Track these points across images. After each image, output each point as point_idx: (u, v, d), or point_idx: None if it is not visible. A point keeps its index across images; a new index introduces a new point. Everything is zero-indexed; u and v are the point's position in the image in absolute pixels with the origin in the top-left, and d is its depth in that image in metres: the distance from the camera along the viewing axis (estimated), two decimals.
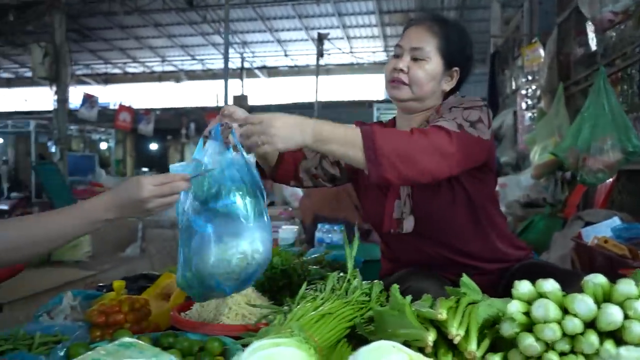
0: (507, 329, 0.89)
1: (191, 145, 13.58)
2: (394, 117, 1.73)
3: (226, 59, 2.89)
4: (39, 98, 17.93)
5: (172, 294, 1.68)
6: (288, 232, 3.55)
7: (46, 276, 3.83)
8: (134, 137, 21.78)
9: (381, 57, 16.64)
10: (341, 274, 1.38)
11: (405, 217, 1.57)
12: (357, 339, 1.16)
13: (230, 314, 1.41)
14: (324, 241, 3.26)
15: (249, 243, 1.26)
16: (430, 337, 0.87)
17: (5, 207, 10.44)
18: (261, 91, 18.58)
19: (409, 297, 1.04)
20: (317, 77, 6.88)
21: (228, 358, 1.24)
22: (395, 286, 1.08)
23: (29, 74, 19.63)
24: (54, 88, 8.75)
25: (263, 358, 0.74)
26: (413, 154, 1.30)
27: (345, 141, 1.30)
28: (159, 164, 19.82)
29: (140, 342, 0.93)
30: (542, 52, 4.93)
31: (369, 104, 14.76)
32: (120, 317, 1.39)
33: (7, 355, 1.10)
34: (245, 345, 1.25)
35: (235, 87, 18.15)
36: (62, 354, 1.17)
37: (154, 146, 22.58)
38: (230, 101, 14.87)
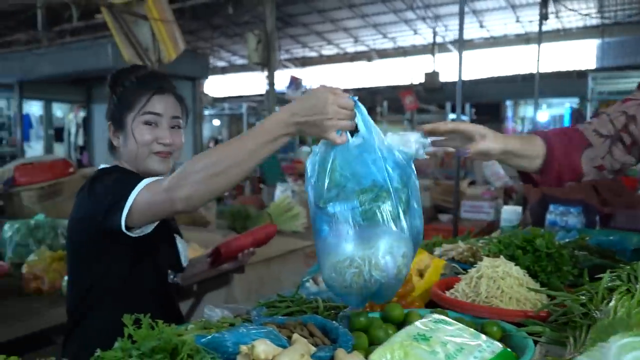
0: None
1: (384, 123, 13.76)
2: None
3: (461, 26, 2.72)
4: (249, 83, 19.89)
5: (426, 270, 1.64)
6: (511, 212, 3.31)
7: (273, 244, 4.18)
8: None
9: (595, 20, 14.69)
10: None
11: None
12: None
13: (504, 297, 1.30)
14: (558, 224, 2.96)
15: (366, 257, 1.05)
16: None
17: None
18: (453, 66, 17.92)
19: None
20: (539, 45, 6.23)
21: (509, 344, 1.14)
22: None
23: (240, 62, 21.94)
24: (265, 72, 9.55)
25: None
26: None
27: None
28: None
29: (453, 320, 0.88)
30: None
31: (578, 74, 13.20)
32: None
33: (302, 317, 1.15)
34: (530, 334, 1.14)
35: (427, 63, 17.81)
36: (345, 321, 1.20)
37: None
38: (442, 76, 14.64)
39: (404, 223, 1.08)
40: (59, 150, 14.64)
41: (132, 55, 6.19)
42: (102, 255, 1.45)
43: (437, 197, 6.71)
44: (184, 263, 1.66)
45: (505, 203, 7.11)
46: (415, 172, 1.16)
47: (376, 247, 1.05)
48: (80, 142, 14.49)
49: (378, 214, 1.05)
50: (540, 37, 6.00)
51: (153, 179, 1.29)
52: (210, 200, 1.26)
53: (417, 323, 0.86)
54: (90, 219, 1.35)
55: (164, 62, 6.21)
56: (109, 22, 6.10)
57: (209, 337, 1.01)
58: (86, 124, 13.75)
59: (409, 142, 1.13)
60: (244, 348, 0.92)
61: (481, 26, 16.50)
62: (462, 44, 2.83)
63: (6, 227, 2.95)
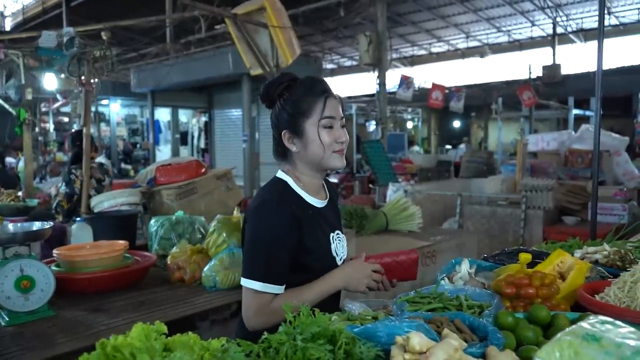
0: None
1: (497, 121, 13.14)
2: None
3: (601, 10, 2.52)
4: (355, 84, 20.06)
5: (568, 273, 1.57)
6: None
7: (390, 242, 4.20)
8: (438, 115, 22.43)
9: None
10: None
11: None
12: None
13: None
14: None
15: None
16: None
17: (335, 180, 12.10)
18: (576, 58, 16.68)
19: None
20: None
21: None
22: None
23: (348, 63, 22.20)
24: (376, 73, 9.58)
25: None
26: None
27: None
28: (461, 142, 19.98)
29: (622, 323, 0.84)
30: None
31: None
32: (532, 292, 1.35)
33: (449, 314, 1.16)
34: None
35: (544, 56, 16.76)
36: (490, 319, 1.20)
37: (456, 124, 22.84)
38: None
39: None
40: (184, 153, 15.85)
41: (253, 62, 6.55)
42: None
43: (561, 198, 6.30)
44: (341, 259, 1.70)
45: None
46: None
47: None
48: (202, 144, 15.57)
49: None
50: None
51: (277, 290, 1.54)
52: None
53: (583, 323, 0.83)
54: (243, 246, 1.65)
55: (282, 67, 6.47)
56: (232, 32, 6.49)
57: (362, 327, 1.06)
58: (207, 128, 14.74)
59: None
60: (399, 339, 0.96)
61: (609, 13, 15.20)
62: (602, 31, 2.64)
63: (152, 222, 3.27)
